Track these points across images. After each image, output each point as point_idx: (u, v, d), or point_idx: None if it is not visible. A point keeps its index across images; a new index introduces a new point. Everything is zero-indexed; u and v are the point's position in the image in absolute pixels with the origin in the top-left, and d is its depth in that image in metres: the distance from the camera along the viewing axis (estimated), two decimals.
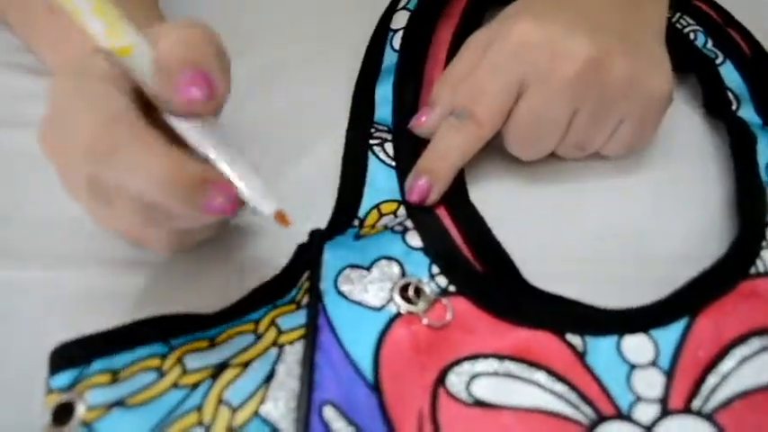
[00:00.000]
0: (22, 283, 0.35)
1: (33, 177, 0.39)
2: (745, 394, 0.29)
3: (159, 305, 0.31)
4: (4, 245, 0.36)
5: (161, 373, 0.29)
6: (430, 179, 0.35)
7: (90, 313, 0.31)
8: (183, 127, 0.29)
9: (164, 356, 0.29)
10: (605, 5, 0.38)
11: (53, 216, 0.37)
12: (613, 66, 0.35)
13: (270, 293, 0.32)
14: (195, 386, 0.28)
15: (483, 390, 0.29)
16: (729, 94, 0.42)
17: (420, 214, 0.35)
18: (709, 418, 0.28)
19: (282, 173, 0.39)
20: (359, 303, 0.31)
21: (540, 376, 0.29)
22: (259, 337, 0.30)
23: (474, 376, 0.29)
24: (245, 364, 0.29)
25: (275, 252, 0.34)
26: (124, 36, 0.27)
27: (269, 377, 0.28)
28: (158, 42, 0.28)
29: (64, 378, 0.28)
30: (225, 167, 0.28)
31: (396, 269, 0.32)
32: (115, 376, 0.28)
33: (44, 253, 0.36)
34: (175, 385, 0.28)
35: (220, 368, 0.29)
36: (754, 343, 0.30)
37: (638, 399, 0.29)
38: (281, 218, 0.29)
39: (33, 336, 0.32)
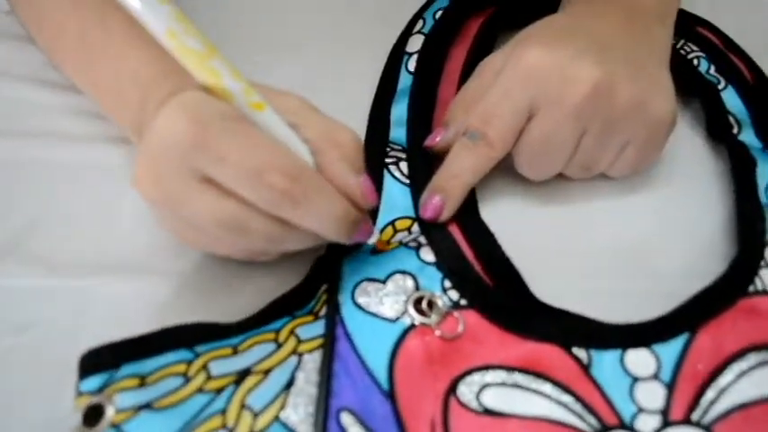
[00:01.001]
0: (53, 291, 0.36)
1: (62, 187, 0.41)
2: (742, 407, 0.30)
3: (186, 314, 0.32)
4: (35, 253, 0.38)
5: (187, 379, 0.30)
6: (443, 197, 0.37)
7: (119, 321, 0.32)
8: None
9: (189, 363, 0.30)
10: (613, 32, 0.39)
11: (82, 225, 0.38)
12: (620, 90, 0.36)
13: (289, 305, 0.34)
14: (219, 391, 0.29)
15: (492, 399, 0.30)
16: (731, 119, 0.43)
17: (433, 231, 0.36)
18: (707, 429, 0.29)
19: None
20: (375, 315, 0.32)
21: (547, 387, 0.30)
22: (279, 345, 0.31)
23: (484, 386, 0.30)
24: (267, 372, 0.30)
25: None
26: (257, 95, 0.30)
27: (289, 384, 0.30)
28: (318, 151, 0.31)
29: (94, 382, 0.29)
30: None
31: (410, 283, 0.33)
32: (143, 381, 0.29)
33: (73, 261, 0.37)
34: (200, 390, 0.29)
35: (243, 375, 0.30)
36: (752, 358, 0.31)
37: (641, 410, 0.30)
38: (380, 243, 0.36)
39: (63, 342, 0.33)
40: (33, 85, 0.46)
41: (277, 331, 0.32)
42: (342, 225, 0.31)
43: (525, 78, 0.36)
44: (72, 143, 0.43)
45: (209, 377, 0.30)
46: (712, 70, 0.46)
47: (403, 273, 0.34)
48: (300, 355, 0.31)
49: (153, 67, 0.36)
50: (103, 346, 0.30)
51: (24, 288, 0.36)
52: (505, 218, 0.38)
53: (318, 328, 0.32)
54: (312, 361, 0.30)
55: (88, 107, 0.43)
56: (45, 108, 0.44)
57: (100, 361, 0.30)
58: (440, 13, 0.47)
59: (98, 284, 0.36)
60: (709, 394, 0.30)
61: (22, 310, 0.35)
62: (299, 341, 0.31)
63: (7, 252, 0.37)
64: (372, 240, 0.34)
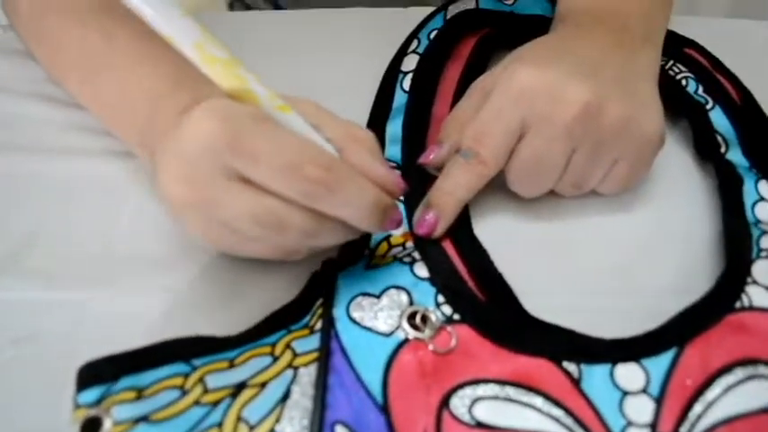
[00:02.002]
0: (51, 304, 0.36)
1: (61, 201, 0.41)
2: (728, 421, 0.30)
3: (183, 328, 0.33)
4: (34, 266, 0.38)
5: (184, 392, 0.30)
6: (437, 213, 0.37)
7: (117, 334, 0.32)
8: None
9: (186, 376, 0.31)
10: (603, 54, 0.40)
11: (81, 239, 0.39)
12: (609, 110, 0.37)
13: (285, 319, 0.34)
14: (216, 404, 0.30)
15: (484, 412, 0.30)
16: (718, 138, 0.44)
17: (427, 246, 0.37)
18: None
19: None
20: (369, 329, 0.32)
21: (538, 401, 0.31)
22: (275, 359, 0.32)
23: (476, 400, 0.31)
24: (263, 385, 0.31)
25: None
26: (281, 99, 0.32)
27: (284, 397, 0.30)
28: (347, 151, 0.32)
29: (91, 394, 0.29)
30: None
31: (404, 298, 0.34)
32: (140, 393, 0.30)
33: (72, 275, 0.38)
34: (197, 403, 0.30)
35: (239, 388, 0.30)
36: (738, 373, 0.32)
37: (630, 423, 0.30)
38: (407, 235, 0.37)
39: (62, 355, 0.33)
40: (34, 100, 0.46)
41: (273, 345, 0.33)
42: (375, 212, 0.32)
43: (516, 98, 0.37)
44: (71, 158, 0.43)
45: (206, 390, 0.30)
46: (700, 90, 0.46)
47: (397, 288, 0.34)
48: (296, 368, 0.31)
49: (161, 82, 0.36)
50: (102, 358, 0.30)
51: (23, 301, 0.36)
52: (498, 234, 0.39)
53: (314, 342, 0.32)
54: (307, 374, 0.31)
55: (88, 122, 0.44)
56: (45, 123, 0.45)
57: (98, 373, 0.30)
58: (434, 33, 0.48)
59: (96, 298, 0.37)
60: (697, 408, 0.31)
61: (20, 323, 0.36)
62: (295, 355, 0.32)
63: (6, 265, 0.38)
64: (399, 232, 0.35)
